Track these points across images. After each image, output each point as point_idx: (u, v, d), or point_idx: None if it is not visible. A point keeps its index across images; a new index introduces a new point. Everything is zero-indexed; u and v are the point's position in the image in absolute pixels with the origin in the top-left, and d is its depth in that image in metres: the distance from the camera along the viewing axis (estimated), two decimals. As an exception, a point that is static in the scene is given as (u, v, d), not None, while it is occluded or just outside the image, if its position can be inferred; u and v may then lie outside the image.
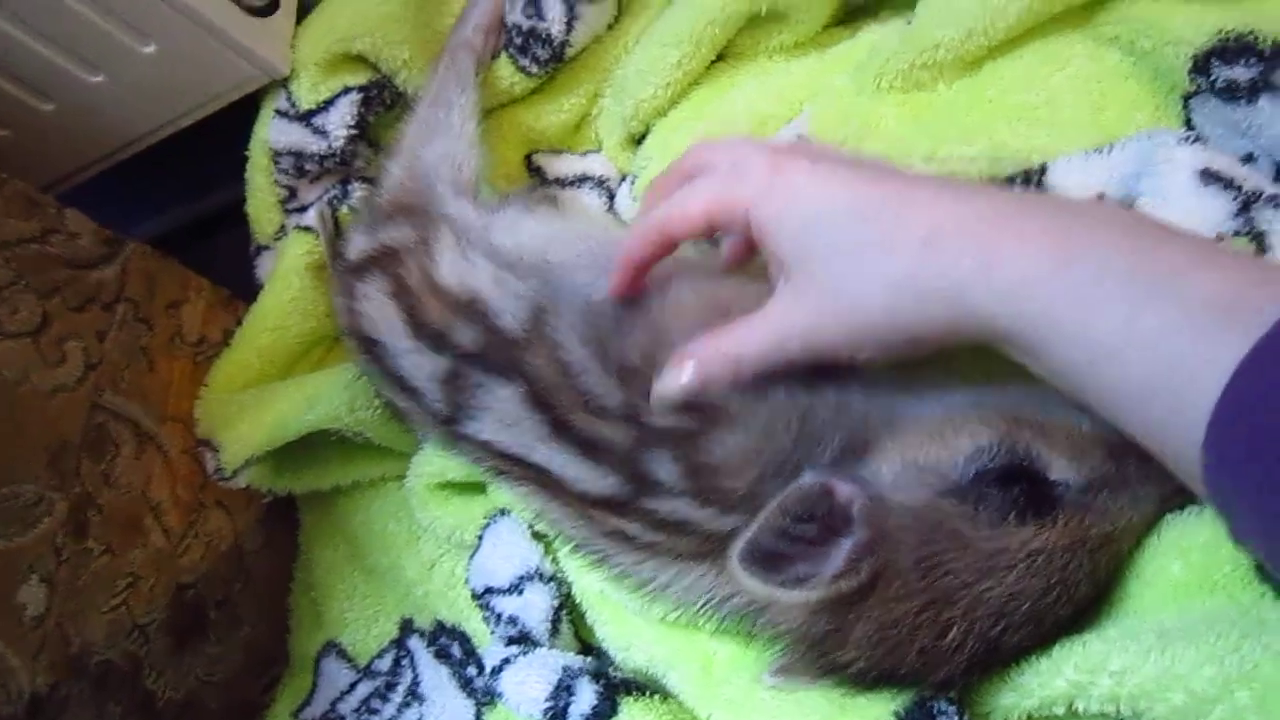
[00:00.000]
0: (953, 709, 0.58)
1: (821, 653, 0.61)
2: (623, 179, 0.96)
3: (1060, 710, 0.56)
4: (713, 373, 0.61)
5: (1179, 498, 0.59)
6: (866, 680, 0.60)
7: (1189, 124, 0.69)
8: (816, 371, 0.64)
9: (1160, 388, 0.45)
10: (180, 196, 1.16)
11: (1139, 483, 0.58)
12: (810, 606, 0.58)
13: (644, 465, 0.65)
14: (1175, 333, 0.44)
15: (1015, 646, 0.58)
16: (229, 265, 1.03)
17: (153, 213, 1.17)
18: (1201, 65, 0.66)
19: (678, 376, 0.62)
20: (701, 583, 0.67)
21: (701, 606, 0.68)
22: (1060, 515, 0.57)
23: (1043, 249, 0.48)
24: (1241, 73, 0.64)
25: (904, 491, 0.59)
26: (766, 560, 0.57)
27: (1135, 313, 0.45)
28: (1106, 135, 0.70)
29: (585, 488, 0.68)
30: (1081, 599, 0.58)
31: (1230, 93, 0.65)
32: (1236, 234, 0.61)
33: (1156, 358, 0.45)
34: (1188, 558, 0.56)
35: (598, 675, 0.70)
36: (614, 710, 0.67)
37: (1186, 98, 0.69)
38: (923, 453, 0.60)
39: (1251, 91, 0.64)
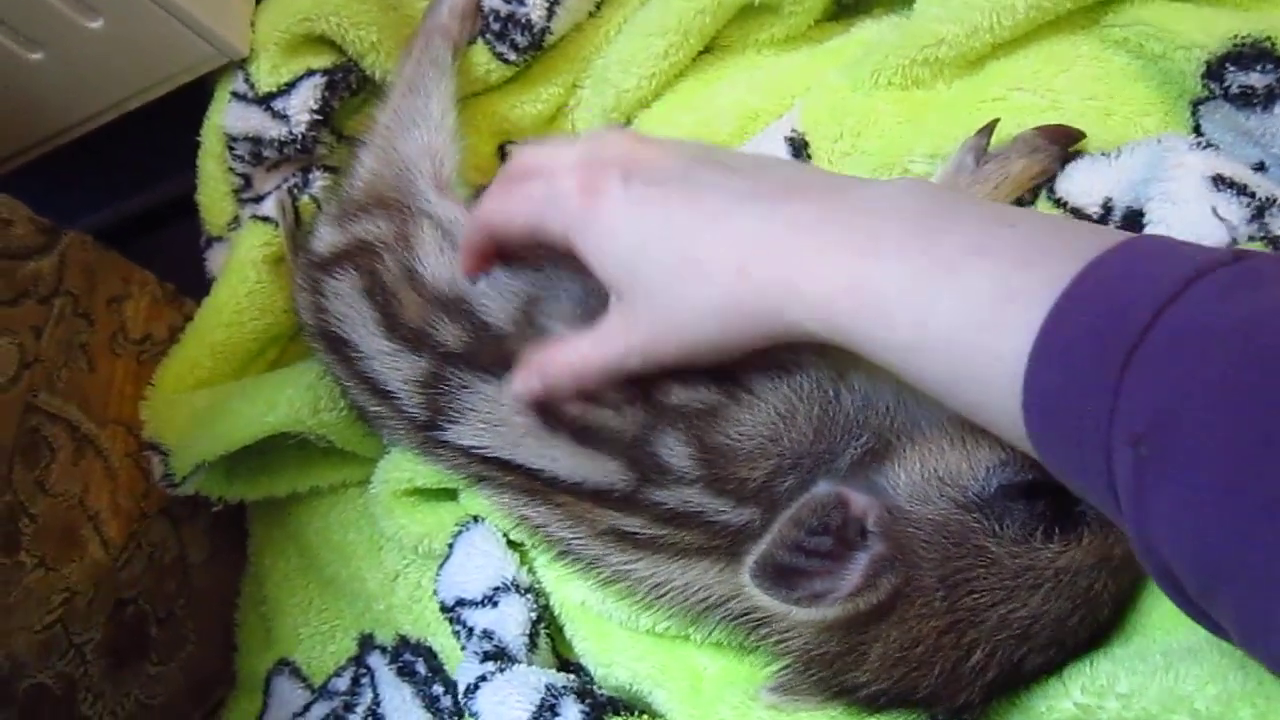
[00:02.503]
0: (965, 729, 0.57)
1: (833, 673, 0.58)
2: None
3: (1069, 733, 0.55)
4: (557, 384, 0.63)
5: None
6: (879, 704, 0.58)
7: (1197, 130, 0.69)
8: (844, 357, 0.62)
9: (964, 379, 0.46)
10: (124, 187, 1.10)
11: None
12: (823, 624, 0.56)
13: (652, 450, 0.62)
14: (961, 329, 0.45)
15: (1036, 670, 0.56)
16: (175, 260, 0.98)
17: (94, 205, 1.10)
18: (1215, 71, 0.65)
19: (525, 381, 0.64)
20: (702, 580, 0.64)
21: (699, 608, 0.65)
22: (1085, 533, 0.55)
23: (839, 263, 0.50)
24: (1258, 79, 0.63)
25: (922, 503, 0.57)
26: (782, 575, 0.55)
27: (924, 316, 0.47)
28: (1114, 140, 0.69)
29: (582, 480, 0.65)
30: (1104, 620, 0.57)
31: (1245, 99, 0.64)
32: (1251, 239, 0.61)
33: (952, 353, 0.46)
34: None
35: (583, 694, 0.67)
36: (602, 732, 0.64)
37: (1196, 103, 0.69)
38: (943, 463, 0.58)
39: (1268, 98, 0.63)
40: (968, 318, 0.45)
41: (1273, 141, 0.64)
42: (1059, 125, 0.71)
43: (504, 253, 0.70)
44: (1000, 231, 0.47)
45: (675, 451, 0.62)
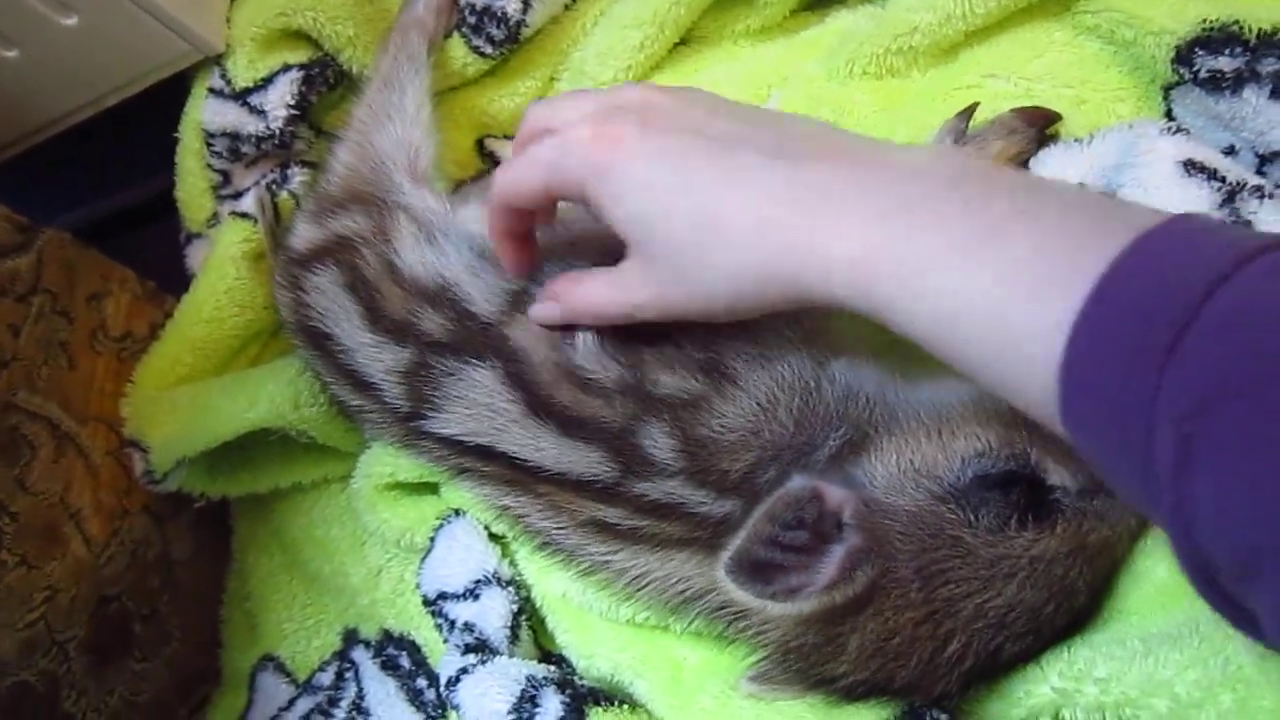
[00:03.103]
0: (946, 718, 0.57)
1: (811, 664, 0.59)
2: (579, 166, 0.92)
3: (1046, 719, 0.55)
4: (575, 317, 0.63)
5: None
6: (858, 694, 0.58)
7: (1170, 115, 0.69)
8: (828, 348, 0.62)
9: (1000, 353, 0.45)
10: (103, 186, 1.09)
11: None
12: (801, 617, 0.56)
13: (637, 441, 0.62)
14: (1001, 303, 0.44)
15: (1013, 658, 0.56)
16: (156, 258, 0.98)
17: (73, 203, 1.10)
18: (1184, 56, 0.65)
19: (546, 308, 0.64)
20: (681, 572, 0.64)
21: (678, 600, 0.65)
22: (1059, 521, 0.55)
23: (873, 226, 0.48)
24: (1226, 63, 0.63)
25: (898, 494, 0.57)
26: (757, 570, 0.55)
27: (958, 285, 0.45)
28: (1088, 126, 0.69)
29: (566, 470, 0.65)
30: (1079, 608, 0.57)
31: (1214, 84, 0.64)
32: (1224, 223, 0.61)
33: (986, 325, 0.45)
34: (1171, 561, 0.55)
35: (563, 685, 0.67)
36: (583, 721, 0.64)
37: (1167, 89, 0.69)
38: (919, 454, 0.58)
39: (1236, 82, 0.63)
40: (1005, 289, 0.44)
41: (1242, 125, 0.64)
42: (1036, 107, 0.71)
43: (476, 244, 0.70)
44: (1042, 203, 0.46)
45: (659, 444, 0.62)
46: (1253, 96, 0.62)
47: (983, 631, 0.55)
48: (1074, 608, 0.57)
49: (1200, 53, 0.64)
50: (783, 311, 0.55)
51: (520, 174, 0.60)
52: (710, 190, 0.53)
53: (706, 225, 0.53)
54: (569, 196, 0.59)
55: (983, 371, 0.47)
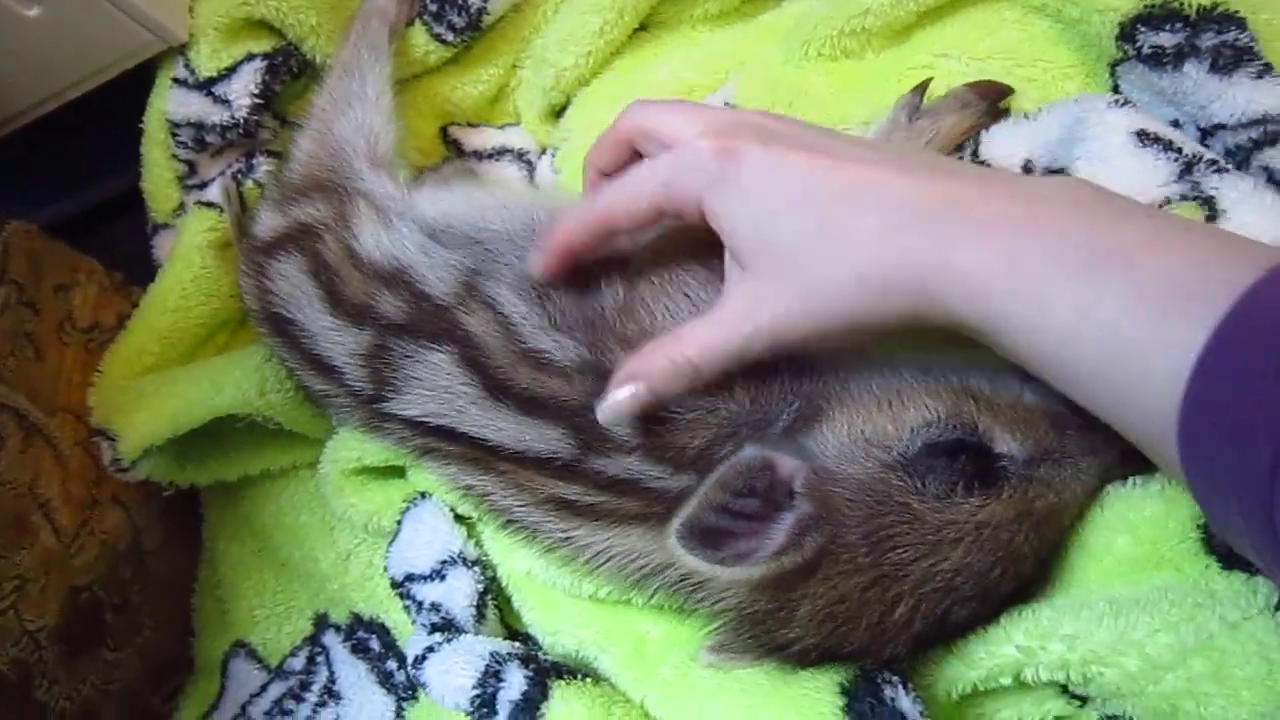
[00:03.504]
0: (898, 680, 0.57)
1: (764, 631, 0.59)
2: (543, 152, 0.93)
3: (1007, 680, 0.56)
4: (666, 387, 0.58)
5: (1122, 469, 0.59)
6: (810, 659, 0.59)
7: (1116, 90, 0.70)
8: None
9: (1119, 375, 0.45)
10: (68, 182, 1.09)
11: (1081, 454, 0.58)
12: (752, 584, 0.57)
13: (594, 418, 0.62)
14: (1129, 321, 0.44)
15: (961, 623, 0.57)
16: (124, 253, 0.97)
17: (40, 200, 1.09)
18: (1128, 32, 0.66)
19: (629, 392, 0.59)
20: (640, 546, 0.65)
21: (638, 574, 0.66)
22: (1005, 487, 0.56)
23: (999, 238, 0.48)
24: (1167, 38, 0.64)
25: (849, 463, 0.58)
26: (707, 536, 0.55)
27: (1090, 303, 0.45)
28: (1037, 101, 0.70)
29: (525, 449, 0.65)
30: (1026, 574, 0.58)
31: (1156, 59, 0.65)
32: (1184, 198, 0.61)
33: (1112, 346, 0.45)
34: (1136, 532, 0.57)
35: (527, 660, 0.68)
36: (545, 695, 0.64)
37: (1114, 65, 0.70)
38: (870, 424, 0.59)
39: (1177, 57, 0.64)
40: (1135, 310, 0.44)
41: (1184, 100, 0.65)
42: (989, 81, 0.72)
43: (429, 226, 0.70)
44: (1174, 230, 0.46)
45: None
46: (1193, 71, 0.63)
47: (930, 595, 0.56)
48: (1020, 574, 0.57)
49: (1143, 29, 0.65)
50: None
51: (633, 187, 0.59)
52: (836, 200, 0.53)
53: (832, 232, 0.52)
54: (681, 211, 0.58)
55: (1099, 389, 0.47)
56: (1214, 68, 0.63)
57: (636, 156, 0.63)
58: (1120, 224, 0.47)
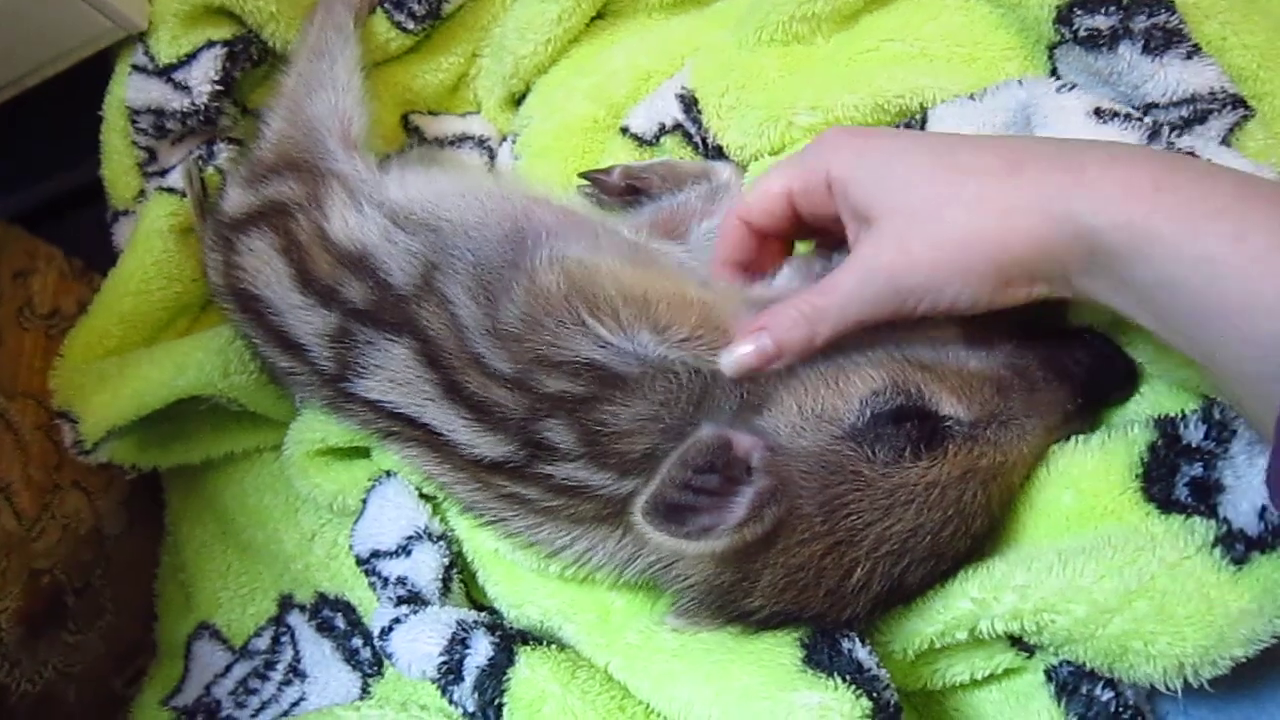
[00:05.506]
0: (854, 634, 0.60)
1: (729, 601, 0.61)
2: (503, 139, 0.94)
3: (963, 635, 0.58)
4: (789, 337, 0.59)
5: (1064, 430, 0.62)
6: (772, 624, 0.61)
7: (1055, 73, 0.73)
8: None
9: (1266, 308, 0.45)
10: (27, 171, 1.08)
11: (1026, 415, 0.60)
12: (716, 556, 0.58)
13: (538, 430, 0.64)
14: (1229, 261, 0.45)
15: (918, 584, 0.59)
16: (86, 241, 0.97)
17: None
18: (1065, 16, 0.69)
19: (753, 343, 0.60)
20: (604, 546, 0.66)
21: (601, 570, 0.68)
22: (951, 447, 0.59)
23: (1138, 167, 0.49)
24: (1102, 21, 0.67)
25: (802, 438, 0.60)
26: (671, 513, 0.57)
27: (1243, 231, 0.45)
28: (979, 83, 0.72)
29: (478, 451, 0.67)
30: (978, 531, 0.60)
31: (1092, 41, 0.68)
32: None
33: (1263, 277, 0.45)
34: (1078, 486, 0.59)
35: (493, 628, 0.69)
36: (511, 661, 0.65)
37: (1051, 48, 0.72)
38: (820, 401, 0.61)
39: (1112, 39, 0.67)
40: (1238, 254, 0.45)
41: (1119, 80, 0.67)
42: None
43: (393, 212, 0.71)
44: (1260, 184, 0.48)
45: (559, 433, 0.64)
46: (1127, 52, 0.66)
47: (886, 558, 0.58)
48: (972, 530, 0.59)
49: (1079, 12, 0.68)
50: None
51: (761, 184, 0.64)
52: (960, 148, 0.56)
53: (952, 166, 0.55)
54: (809, 195, 0.61)
55: (1222, 331, 0.47)
56: (1146, 49, 0.66)
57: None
58: (1212, 176, 0.49)
